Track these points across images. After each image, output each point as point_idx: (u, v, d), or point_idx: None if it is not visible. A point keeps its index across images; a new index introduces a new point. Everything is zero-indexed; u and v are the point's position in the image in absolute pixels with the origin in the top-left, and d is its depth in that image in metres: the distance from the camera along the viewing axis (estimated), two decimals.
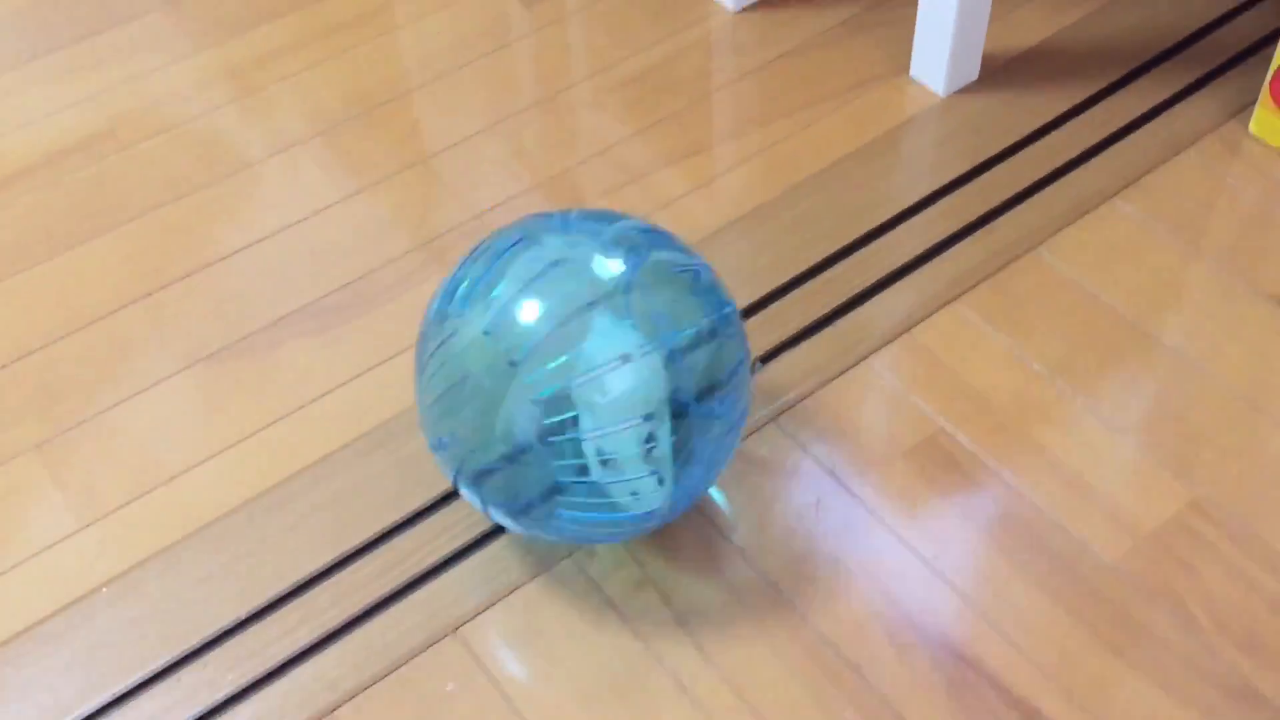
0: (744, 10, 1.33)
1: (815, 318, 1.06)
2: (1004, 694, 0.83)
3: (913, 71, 1.25)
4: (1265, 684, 0.83)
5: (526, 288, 0.79)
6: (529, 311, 0.78)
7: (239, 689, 0.86)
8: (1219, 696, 0.83)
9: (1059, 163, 1.16)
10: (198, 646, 0.89)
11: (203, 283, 1.11)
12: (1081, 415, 0.98)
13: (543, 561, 0.91)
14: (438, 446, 0.84)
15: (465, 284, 0.82)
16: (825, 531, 0.92)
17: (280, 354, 1.05)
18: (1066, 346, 1.02)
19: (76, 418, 1.02)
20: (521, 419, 0.78)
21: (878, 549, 0.91)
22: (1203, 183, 1.13)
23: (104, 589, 0.92)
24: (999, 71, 1.25)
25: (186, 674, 0.87)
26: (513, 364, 0.77)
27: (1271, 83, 1.12)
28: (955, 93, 1.23)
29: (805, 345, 1.04)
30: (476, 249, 0.84)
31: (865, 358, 1.02)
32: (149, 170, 1.20)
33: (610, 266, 0.79)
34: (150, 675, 0.87)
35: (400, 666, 0.87)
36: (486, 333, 0.78)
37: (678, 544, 0.92)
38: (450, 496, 0.95)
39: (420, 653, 0.88)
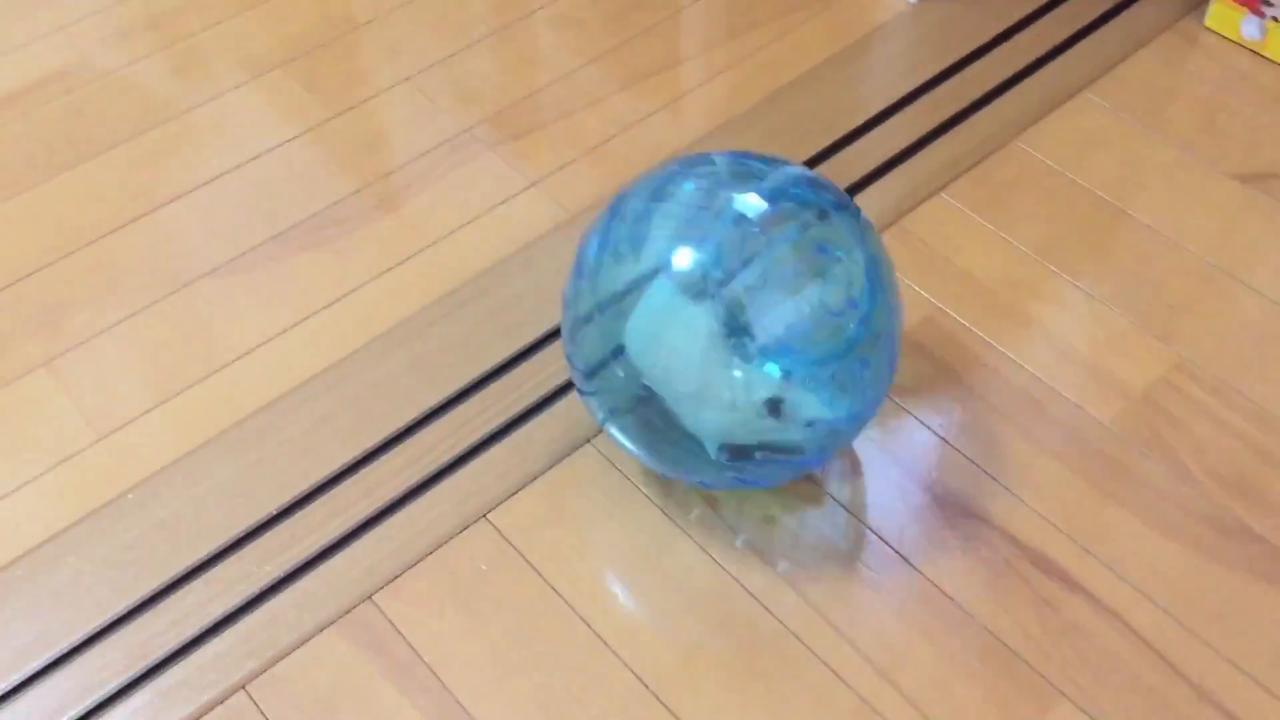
0: None
1: None
2: (1012, 542, 0.88)
3: None
4: (1255, 521, 0.89)
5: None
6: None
7: (278, 579, 0.88)
8: (1212, 534, 0.89)
9: (1029, 60, 1.21)
10: (231, 542, 0.90)
11: (193, 203, 1.12)
12: (1067, 290, 1.02)
13: (563, 449, 0.94)
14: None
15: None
16: None
17: (283, 267, 1.07)
18: (1049, 228, 1.07)
19: (83, 334, 1.02)
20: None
21: (889, 424, 0.95)
22: (1165, 74, 1.19)
23: (130, 494, 0.93)
24: None
25: (223, 568, 0.89)
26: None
27: None
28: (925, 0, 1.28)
29: None
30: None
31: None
32: (117, 104, 1.20)
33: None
34: (186, 571, 0.89)
35: (435, 550, 0.89)
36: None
37: None
38: (467, 393, 0.98)
39: (453, 537, 0.90)
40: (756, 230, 0.78)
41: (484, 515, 0.91)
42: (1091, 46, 1.22)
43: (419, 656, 0.84)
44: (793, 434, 0.80)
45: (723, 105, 1.18)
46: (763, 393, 0.78)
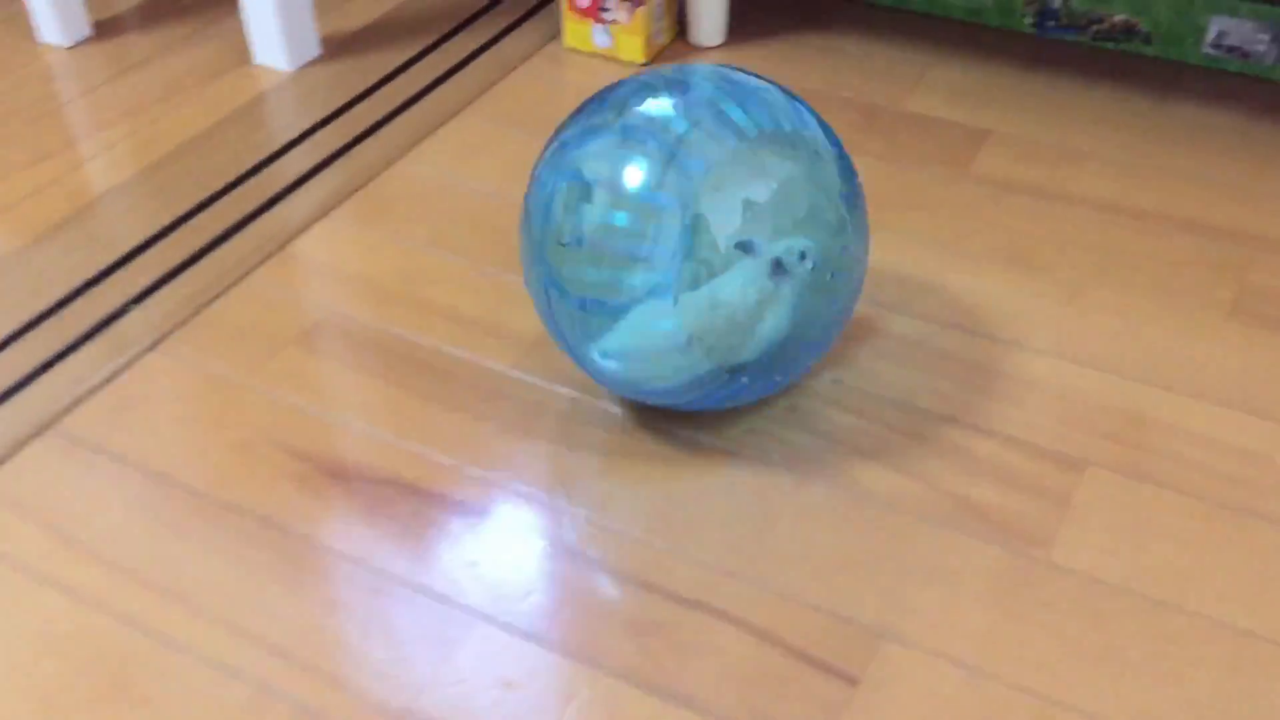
0: (76, 46, 1.33)
1: (191, 252, 1.05)
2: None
3: (256, 59, 1.30)
4: None
5: None
6: None
7: None
8: (601, 435, 0.89)
9: (406, 96, 1.25)
10: None
11: None
12: (466, 271, 1.03)
13: None
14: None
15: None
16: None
17: None
18: (437, 226, 1.08)
19: None
20: None
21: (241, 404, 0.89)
22: (535, 87, 1.25)
23: None
24: (342, 45, 1.33)
25: None
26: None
27: None
28: (302, 67, 1.29)
29: (188, 274, 1.03)
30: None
31: (246, 276, 1.03)
32: None
33: None
34: None
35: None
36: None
37: None
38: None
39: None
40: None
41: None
42: (465, 77, 1.27)
43: None
44: None
45: (118, 170, 1.13)
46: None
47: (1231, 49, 1.23)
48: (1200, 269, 1.01)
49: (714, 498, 0.84)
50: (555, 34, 1.34)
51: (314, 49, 1.31)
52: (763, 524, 0.82)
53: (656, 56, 1.29)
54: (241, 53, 1.32)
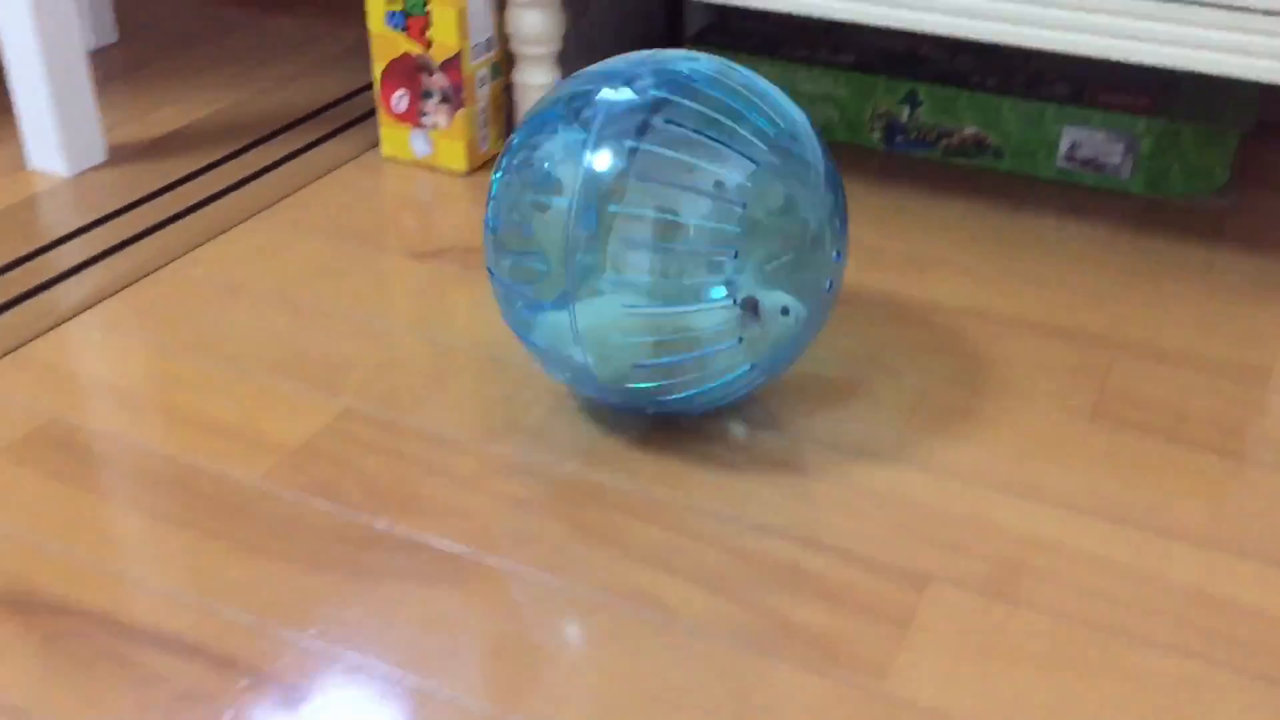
0: None
1: None
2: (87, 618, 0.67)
3: (32, 163, 1.17)
4: (396, 530, 0.75)
5: None
6: None
7: None
8: (353, 554, 0.73)
9: (197, 199, 1.12)
10: None
11: None
12: (223, 376, 0.89)
13: None
14: None
15: None
16: None
17: None
18: (201, 330, 0.94)
19: None
20: None
21: None
22: (341, 196, 1.14)
23: None
24: (138, 151, 1.22)
25: None
26: None
27: (381, 96, 1.17)
28: (85, 171, 1.17)
29: None
30: None
31: None
32: None
33: None
34: None
35: None
36: None
37: None
38: None
39: None
40: None
41: None
42: (265, 185, 1.15)
43: None
44: None
45: None
46: None
47: (1085, 161, 1.17)
48: (1059, 374, 0.91)
49: (474, 619, 0.69)
50: (374, 143, 1.23)
51: (99, 153, 1.18)
52: (534, 654, 0.67)
53: (481, 166, 1.20)
54: (15, 157, 1.20)
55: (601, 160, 0.73)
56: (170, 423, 0.84)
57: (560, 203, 0.74)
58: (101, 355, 0.91)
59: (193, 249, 1.04)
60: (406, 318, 0.97)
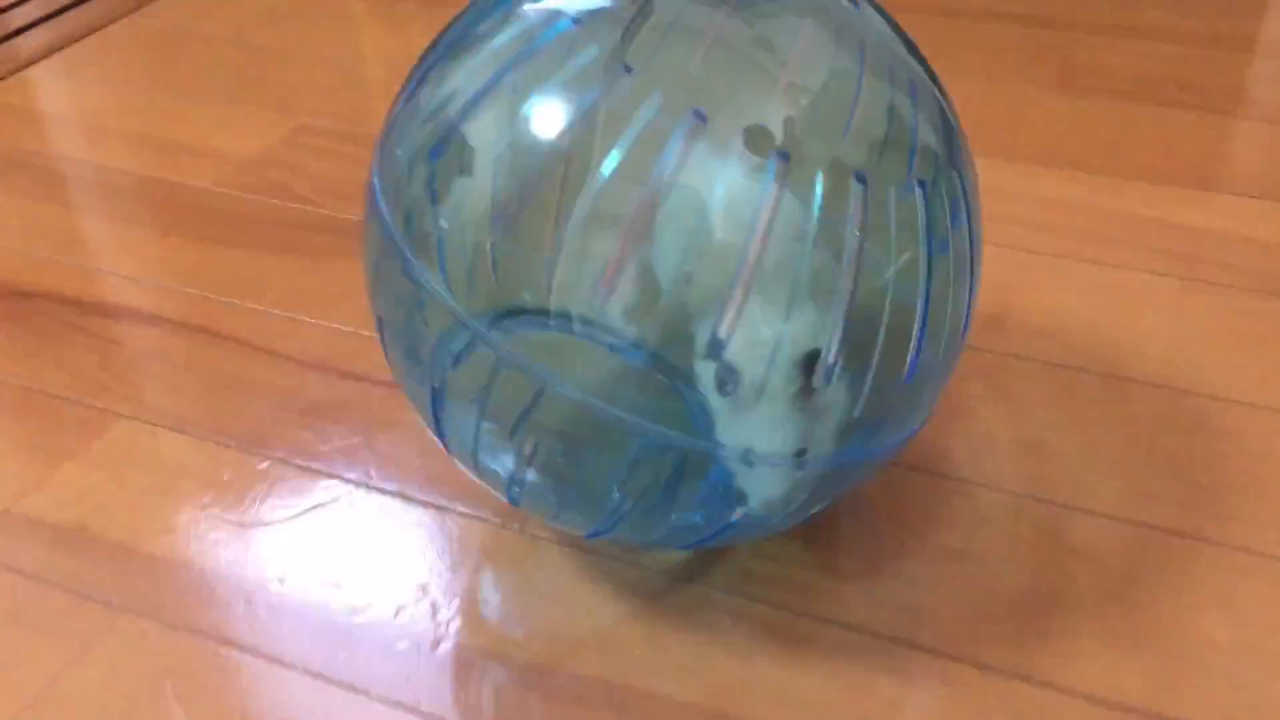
0: None
1: None
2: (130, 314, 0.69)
3: None
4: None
5: None
6: None
7: None
8: (306, 238, 0.74)
9: None
10: None
11: None
12: (157, 98, 0.89)
13: None
14: None
15: None
16: None
17: None
18: (160, 70, 0.94)
19: None
20: None
21: None
22: None
23: None
24: None
25: None
26: None
27: None
28: None
29: None
30: None
31: None
32: None
33: None
34: None
35: None
36: None
37: None
38: None
39: None
40: None
41: None
42: None
43: None
44: None
45: None
46: None
47: None
48: (1024, 54, 0.90)
49: None
50: None
51: None
52: None
53: None
54: None
55: None
56: (129, 145, 0.85)
57: None
58: (62, 95, 0.92)
59: (149, 2, 1.04)
60: (363, 50, 0.97)
